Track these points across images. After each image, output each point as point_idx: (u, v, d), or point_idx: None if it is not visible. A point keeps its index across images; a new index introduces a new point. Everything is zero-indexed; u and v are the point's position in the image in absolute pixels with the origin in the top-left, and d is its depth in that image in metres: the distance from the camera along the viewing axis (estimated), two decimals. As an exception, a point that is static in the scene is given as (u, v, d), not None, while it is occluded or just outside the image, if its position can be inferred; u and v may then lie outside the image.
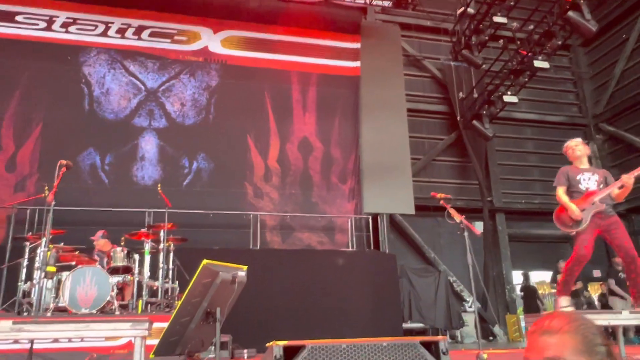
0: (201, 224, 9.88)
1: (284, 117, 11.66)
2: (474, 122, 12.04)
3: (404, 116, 12.24)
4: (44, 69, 10.70)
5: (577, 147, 4.90)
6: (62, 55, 10.94)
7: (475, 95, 12.30)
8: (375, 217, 11.33)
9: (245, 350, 6.87)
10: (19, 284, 6.52)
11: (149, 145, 10.86)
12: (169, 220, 7.21)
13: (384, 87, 12.11)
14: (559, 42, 10.06)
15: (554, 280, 9.43)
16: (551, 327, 1.17)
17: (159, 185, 7.51)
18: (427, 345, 2.19)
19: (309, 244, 10.92)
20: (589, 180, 4.68)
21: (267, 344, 2.05)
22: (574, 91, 15.40)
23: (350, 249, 10.49)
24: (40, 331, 3.18)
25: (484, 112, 11.77)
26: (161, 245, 6.96)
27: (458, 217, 4.54)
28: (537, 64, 10.13)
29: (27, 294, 6.48)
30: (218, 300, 3.64)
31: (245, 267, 3.87)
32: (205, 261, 3.58)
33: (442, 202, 4.65)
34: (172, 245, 7.28)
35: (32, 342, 3.69)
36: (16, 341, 5.61)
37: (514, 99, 11.12)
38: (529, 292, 11.79)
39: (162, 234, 7.00)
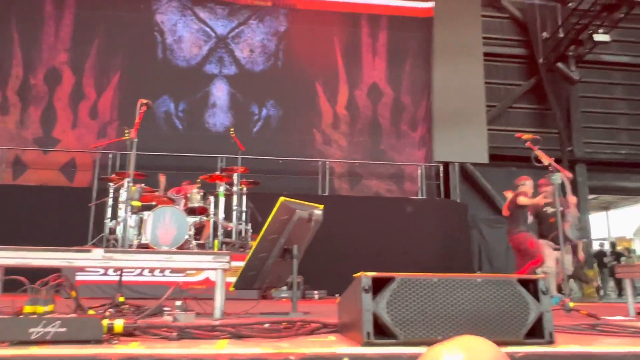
0: (270, 170, 10.00)
1: (353, 63, 11.36)
2: (559, 64, 11.18)
3: (480, 60, 11.58)
4: (119, 18, 10.94)
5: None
6: (136, 3, 11.12)
7: (561, 34, 11.35)
8: (446, 165, 10.99)
9: (316, 292, 7.00)
10: (106, 221, 6.92)
11: (219, 92, 11.00)
12: (241, 164, 7.31)
13: (459, 29, 11.44)
14: (663, -29, 8.97)
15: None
16: None
17: (232, 129, 7.58)
18: (524, 283, 2.05)
19: (377, 192, 10.82)
20: None
21: (355, 275, 1.98)
22: (673, 30, 13.86)
23: (419, 197, 10.29)
24: (129, 260, 3.31)
25: (570, 54, 10.88)
26: (234, 188, 7.10)
27: (547, 160, 4.23)
28: (637, -4, 9.11)
29: (112, 231, 6.88)
30: (295, 238, 3.64)
31: (321, 207, 3.82)
32: (282, 198, 3.55)
33: (528, 143, 4.33)
34: (244, 188, 7.41)
35: (121, 272, 3.88)
36: (105, 273, 6.02)
37: (606, 38, 10.16)
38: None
39: (235, 177, 7.12)
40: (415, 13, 11.70)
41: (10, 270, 3.20)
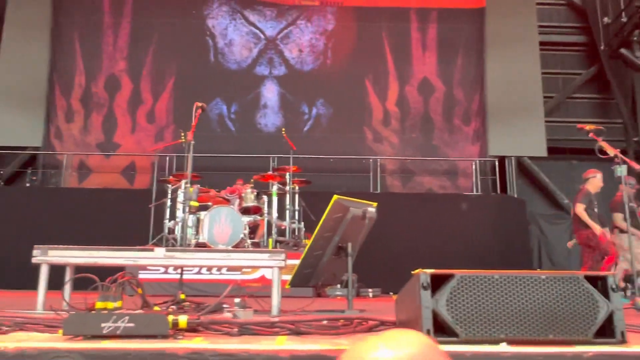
0: (322, 169, 10.05)
1: (403, 58, 11.22)
2: (622, 50, 10.60)
3: (536, 50, 11.16)
4: (172, 25, 11.30)
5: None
6: (188, 9, 11.45)
7: (624, 19, 10.76)
8: (501, 160, 10.66)
9: (370, 290, 6.99)
10: (165, 221, 7.18)
11: (270, 93, 11.16)
12: (293, 164, 7.39)
13: (513, 18, 11.07)
14: None
15: None
16: None
17: (283, 129, 7.69)
18: (592, 280, 1.96)
19: (430, 189, 10.65)
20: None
21: (413, 272, 1.96)
22: None
23: (474, 193, 10.04)
24: (189, 258, 3.43)
25: (635, 39, 10.30)
26: (287, 187, 7.19)
27: (612, 151, 4.03)
28: None
29: (171, 231, 7.14)
30: (349, 236, 3.65)
31: (375, 204, 3.82)
32: (336, 196, 3.57)
33: (591, 134, 4.14)
34: (297, 187, 7.49)
35: (182, 270, 4.02)
36: (166, 271, 6.25)
37: (675, 20, 9.54)
38: None
39: (287, 176, 7.21)
40: (466, 4, 11.42)
41: (79, 268, 3.39)
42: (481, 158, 10.59)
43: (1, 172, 10.40)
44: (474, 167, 10.34)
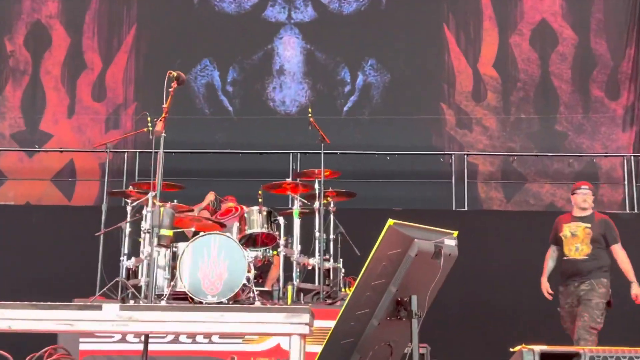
0: (372, 173, 10.09)
1: (506, -8, 11.23)
2: None
3: None
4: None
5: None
6: None
7: None
8: (675, 156, 10.52)
9: (452, 370, 6.97)
10: (121, 259, 7.30)
11: (289, 51, 11.26)
12: (325, 165, 7.43)
13: None
14: None
15: None
16: None
17: (310, 110, 7.75)
18: None
19: (552, 203, 10.54)
20: None
21: (511, 349, 2.00)
22: None
23: (627, 211, 9.89)
24: (158, 322, 3.51)
25: None
26: (316, 204, 7.24)
27: None
28: None
29: (131, 274, 7.25)
30: (413, 284, 3.68)
31: (455, 233, 3.85)
32: (391, 221, 3.61)
33: None
34: (332, 203, 7.53)
35: (146, 339, 4.13)
36: (123, 338, 6.39)
37: None
38: None
39: (316, 185, 7.26)
40: None
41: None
42: (639, 153, 10.45)
43: None
44: (626, 167, 10.20)
